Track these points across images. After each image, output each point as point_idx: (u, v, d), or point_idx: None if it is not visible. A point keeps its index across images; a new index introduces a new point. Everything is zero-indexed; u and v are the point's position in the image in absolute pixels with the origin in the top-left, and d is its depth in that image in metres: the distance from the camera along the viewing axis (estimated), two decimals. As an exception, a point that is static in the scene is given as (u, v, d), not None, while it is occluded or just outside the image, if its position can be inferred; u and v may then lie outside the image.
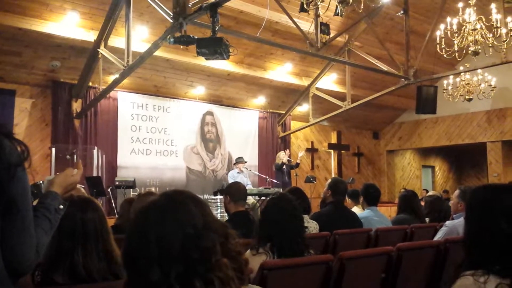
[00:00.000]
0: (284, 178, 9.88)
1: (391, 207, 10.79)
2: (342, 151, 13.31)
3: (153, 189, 9.04)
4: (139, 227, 1.02)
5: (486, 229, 1.45)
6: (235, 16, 8.11)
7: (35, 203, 1.52)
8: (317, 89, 10.80)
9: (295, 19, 7.56)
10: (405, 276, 2.75)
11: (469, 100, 9.70)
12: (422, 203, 5.14)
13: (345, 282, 2.40)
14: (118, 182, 8.31)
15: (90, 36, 7.48)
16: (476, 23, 6.94)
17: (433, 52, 8.00)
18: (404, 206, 4.61)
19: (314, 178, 10.79)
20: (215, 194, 8.58)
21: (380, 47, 9.19)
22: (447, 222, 3.73)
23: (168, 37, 5.60)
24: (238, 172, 9.17)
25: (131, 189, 8.41)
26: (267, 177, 9.85)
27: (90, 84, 8.47)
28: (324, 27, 7.72)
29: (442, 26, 7.31)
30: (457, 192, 3.84)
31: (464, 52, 7.25)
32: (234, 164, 9.62)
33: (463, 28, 7.04)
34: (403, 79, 9.12)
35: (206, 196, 9.01)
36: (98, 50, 7.27)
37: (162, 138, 9.86)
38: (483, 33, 6.97)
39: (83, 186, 6.31)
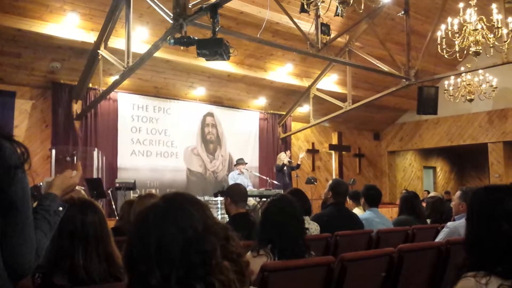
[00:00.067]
0: (285, 180, 9.88)
1: (392, 208, 10.77)
2: (343, 152, 13.31)
3: (153, 191, 9.04)
4: (139, 231, 1.01)
5: (487, 230, 1.45)
6: (235, 17, 8.11)
7: (35, 205, 1.52)
8: (318, 90, 10.79)
9: (295, 20, 7.56)
10: (407, 277, 2.74)
11: (470, 100, 9.69)
12: (424, 204, 5.13)
13: (347, 284, 2.39)
14: (119, 183, 8.30)
15: (90, 37, 7.48)
16: (477, 24, 6.94)
17: (434, 52, 7.99)
18: (405, 207, 4.61)
19: (315, 179, 10.78)
20: (215, 195, 8.58)
21: (381, 47, 9.19)
22: (449, 223, 3.72)
23: (168, 38, 5.59)
24: (238, 174, 9.17)
25: (132, 191, 8.41)
26: (267, 178, 9.85)
27: (90, 85, 8.47)
28: (325, 28, 7.71)
29: (443, 27, 7.31)
30: (458, 193, 3.83)
31: (465, 52, 7.25)
32: (235, 165, 9.62)
33: (464, 29, 7.04)
34: (404, 80, 9.11)
35: (206, 198, 9.00)
36: (98, 51, 7.27)
37: (163, 140, 9.86)
38: (484, 33, 6.97)
39: (83, 187, 6.31)
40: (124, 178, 8.75)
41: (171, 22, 5.56)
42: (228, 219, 3.73)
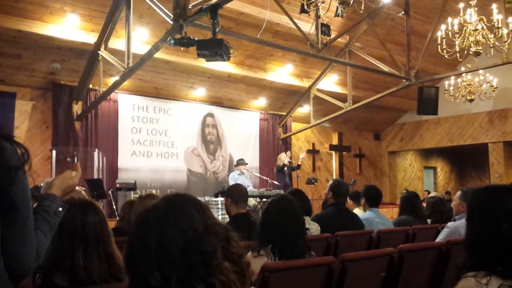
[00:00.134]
0: (285, 180, 9.88)
1: (393, 209, 10.77)
2: (344, 153, 13.31)
3: (154, 191, 9.04)
4: (139, 231, 1.02)
5: (488, 230, 1.46)
6: (235, 18, 8.11)
7: (35, 205, 1.52)
8: (318, 90, 10.80)
9: (295, 20, 7.56)
10: (407, 277, 2.74)
11: (471, 100, 9.69)
12: (424, 204, 5.13)
13: (347, 284, 2.39)
14: (119, 184, 8.31)
15: (90, 38, 7.49)
16: (477, 24, 6.94)
17: (434, 52, 7.99)
18: (405, 208, 4.61)
19: (315, 179, 10.78)
20: (216, 196, 8.58)
21: (381, 48, 9.19)
22: (449, 224, 3.72)
23: (168, 38, 5.59)
24: (239, 174, 9.18)
25: (132, 191, 8.40)
26: (268, 178, 9.86)
27: (91, 86, 8.48)
28: (325, 28, 7.71)
29: (443, 27, 7.32)
30: (459, 193, 3.83)
31: (465, 52, 7.25)
32: (235, 165, 9.62)
33: (464, 29, 7.04)
34: (404, 80, 9.11)
35: (207, 198, 8.99)
36: (99, 52, 7.28)
37: (163, 140, 9.86)
38: (484, 33, 6.97)
39: (83, 188, 6.30)
40: (124, 178, 8.75)
41: (171, 23, 5.56)
42: (228, 220, 3.73)
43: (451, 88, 9.68)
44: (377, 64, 9.07)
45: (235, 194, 3.65)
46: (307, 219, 3.58)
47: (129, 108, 9.43)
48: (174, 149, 10.00)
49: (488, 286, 1.33)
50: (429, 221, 4.71)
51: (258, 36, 7.14)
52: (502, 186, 1.57)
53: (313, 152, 12.66)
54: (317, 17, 7.59)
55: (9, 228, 1.31)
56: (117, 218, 5.42)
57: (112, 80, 8.17)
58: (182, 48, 6.06)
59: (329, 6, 6.12)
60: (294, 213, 2.44)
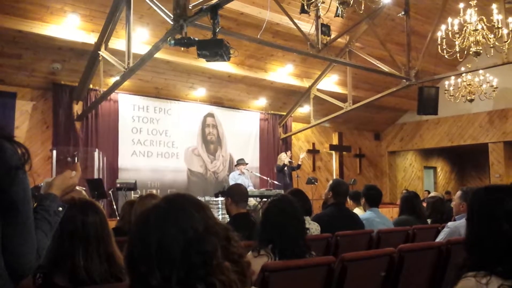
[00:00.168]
0: (286, 180, 9.89)
1: (393, 209, 10.78)
2: (344, 153, 13.32)
3: (154, 191, 9.05)
4: (140, 231, 1.02)
5: (488, 230, 1.46)
6: (235, 18, 8.11)
7: (35, 205, 1.52)
8: (318, 90, 10.80)
9: (295, 21, 7.56)
10: (407, 277, 2.74)
11: (471, 101, 9.69)
12: (424, 204, 5.13)
13: (347, 284, 2.39)
14: (119, 184, 8.31)
15: (91, 38, 7.49)
16: (477, 24, 6.94)
17: (434, 53, 7.99)
18: (405, 207, 4.61)
19: (315, 179, 10.78)
20: (216, 196, 8.59)
21: (381, 48, 9.19)
22: (449, 223, 3.72)
23: (168, 39, 5.59)
24: (239, 174, 9.18)
25: (132, 191, 8.41)
26: (268, 178, 9.86)
27: (91, 86, 8.48)
28: (325, 28, 7.71)
29: (443, 27, 7.31)
30: (459, 193, 3.84)
31: (465, 52, 7.24)
32: (235, 165, 9.62)
33: (464, 29, 7.04)
34: (404, 80, 9.11)
35: (207, 198, 9.01)
36: (99, 52, 7.28)
37: (163, 140, 9.86)
38: (484, 33, 6.97)
39: (84, 188, 6.31)
40: (125, 178, 8.75)
41: (172, 23, 5.57)
42: (228, 219, 3.73)
43: (451, 88, 9.68)
44: (377, 64, 9.07)
45: (235, 194, 3.66)
46: (307, 219, 3.58)
47: (129, 108, 9.43)
48: (175, 149, 10.00)
49: (488, 286, 1.33)
50: (429, 221, 4.71)
51: (258, 36, 7.14)
52: (502, 186, 1.58)
53: (313, 152, 12.66)
54: (317, 17, 7.59)
55: (9, 228, 1.31)
56: (118, 218, 5.42)
57: (112, 80, 8.17)
58: (182, 48, 6.06)
59: (329, 6, 6.12)
60: (294, 213, 2.44)
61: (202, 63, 8.12)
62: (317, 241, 3.42)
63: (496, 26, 6.89)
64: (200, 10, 5.40)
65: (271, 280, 2.09)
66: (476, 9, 7.02)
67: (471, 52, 7.08)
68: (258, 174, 10.44)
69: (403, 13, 8.90)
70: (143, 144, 9.56)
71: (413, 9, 9.20)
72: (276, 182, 9.74)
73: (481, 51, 7.02)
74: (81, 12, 7.27)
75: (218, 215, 8.13)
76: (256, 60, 9.67)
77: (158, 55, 7.01)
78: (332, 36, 8.11)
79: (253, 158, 10.98)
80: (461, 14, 6.97)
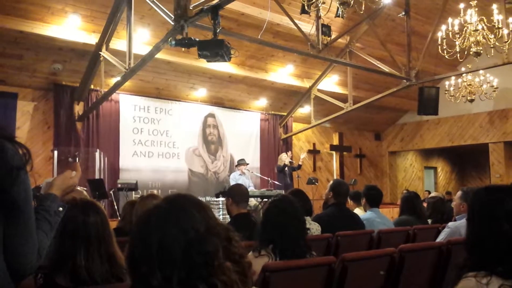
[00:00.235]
0: (286, 180, 9.89)
1: (393, 209, 10.78)
2: (344, 153, 13.32)
3: (155, 191, 9.06)
4: (141, 232, 1.02)
5: (488, 230, 1.46)
6: (236, 18, 8.12)
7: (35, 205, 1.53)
8: (319, 90, 10.80)
9: (296, 21, 7.56)
10: (408, 277, 2.74)
11: (471, 101, 9.69)
12: (425, 205, 5.13)
13: (348, 284, 2.40)
14: (120, 184, 8.32)
15: (92, 39, 7.50)
16: (477, 24, 6.94)
17: (434, 53, 8.00)
18: (406, 208, 4.61)
19: (316, 179, 10.78)
20: (217, 196, 8.59)
21: (381, 48, 9.19)
22: (450, 224, 3.72)
23: (169, 39, 5.60)
24: (240, 174, 9.18)
25: (133, 192, 8.42)
26: (269, 179, 9.86)
27: (92, 86, 8.49)
28: (326, 29, 7.72)
29: (443, 27, 7.32)
30: (459, 193, 3.84)
31: (465, 53, 7.24)
32: (236, 166, 9.63)
33: (464, 29, 7.04)
34: (404, 80, 9.11)
35: (208, 198, 9.02)
36: (100, 53, 7.29)
37: (164, 141, 9.87)
38: (484, 34, 6.96)
39: (85, 188, 6.32)
40: (126, 179, 8.76)
41: (172, 23, 5.57)
42: (229, 220, 3.73)
43: (452, 89, 9.68)
44: (378, 65, 9.07)
45: (236, 194, 3.66)
46: (308, 219, 3.59)
47: (130, 108, 9.44)
48: (175, 150, 10.01)
49: (489, 286, 1.34)
50: (429, 221, 4.71)
51: (259, 37, 7.14)
52: (502, 186, 1.58)
53: (313, 152, 12.66)
54: (318, 17, 7.60)
55: (11, 228, 1.31)
56: (119, 218, 5.43)
57: (113, 80, 8.18)
58: (183, 49, 6.07)
59: (330, 6, 6.11)
60: (295, 213, 2.44)
61: (203, 64, 8.13)
62: (317, 241, 3.42)
63: (496, 27, 6.89)
64: (200, 10, 5.41)
65: (272, 280, 2.09)
66: (477, 9, 7.01)
67: (471, 53, 7.08)
68: (259, 175, 10.44)
69: (403, 13, 8.90)
70: (144, 145, 9.57)
71: (413, 9, 9.20)
72: (276, 183, 9.74)
73: (482, 51, 7.01)
74: (82, 12, 7.27)
75: (219, 216, 8.14)
76: (257, 60, 9.67)
77: (159, 55, 7.01)
78: (333, 36, 8.12)
79: (253, 159, 10.98)
80: (462, 14, 6.97)
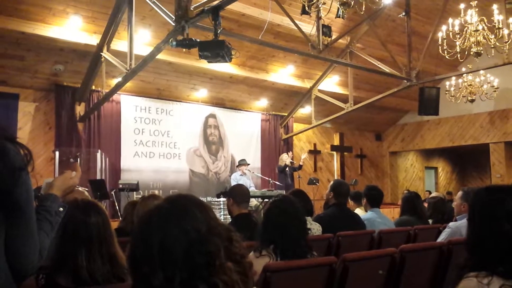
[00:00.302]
0: (287, 180, 9.89)
1: (394, 209, 10.77)
2: (345, 153, 13.31)
3: (156, 192, 9.06)
4: (142, 232, 1.02)
5: (489, 230, 1.46)
6: (237, 19, 8.12)
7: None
8: (320, 91, 10.80)
9: (296, 22, 7.57)
10: (409, 278, 2.75)
11: (472, 101, 9.68)
12: (425, 205, 5.13)
13: (349, 284, 2.40)
14: (122, 185, 8.33)
15: (93, 39, 7.51)
16: (478, 24, 6.93)
17: (435, 53, 7.99)
18: (407, 208, 4.60)
19: (317, 180, 10.78)
20: (218, 196, 8.60)
21: (382, 48, 9.19)
22: (451, 224, 3.72)
23: (170, 40, 5.60)
24: (241, 175, 9.19)
25: (135, 192, 8.43)
26: (270, 179, 9.86)
27: (93, 87, 8.51)
28: (326, 29, 7.72)
29: (444, 28, 7.31)
30: (460, 193, 3.83)
31: (466, 53, 7.24)
32: (237, 166, 9.64)
33: (465, 29, 7.04)
34: (405, 81, 9.11)
35: (209, 199, 9.01)
36: (101, 53, 7.30)
37: (165, 141, 9.88)
38: (485, 34, 6.96)
39: (86, 189, 6.32)
40: (127, 179, 8.77)
41: (173, 24, 5.58)
42: (230, 220, 3.74)
43: (452, 89, 9.67)
44: (378, 65, 9.07)
45: (237, 194, 3.66)
46: (309, 219, 3.59)
47: (131, 109, 9.45)
48: (176, 150, 10.02)
49: (490, 286, 1.34)
50: (430, 221, 4.71)
51: (260, 38, 7.15)
52: (503, 186, 1.58)
53: (314, 152, 12.66)
54: (318, 18, 7.60)
55: (12, 229, 1.32)
56: (120, 218, 5.43)
57: (114, 81, 8.19)
58: (184, 50, 6.09)
59: (330, 7, 6.11)
60: (295, 213, 2.45)
61: (204, 64, 8.13)
62: (318, 241, 3.42)
63: (496, 27, 6.88)
64: (201, 11, 5.42)
65: (273, 280, 2.10)
66: (477, 9, 7.01)
67: (471, 53, 7.08)
68: (260, 175, 10.44)
69: (403, 14, 8.90)
70: (145, 145, 9.58)
71: (413, 9, 9.20)
72: (277, 183, 9.74)
73: (482, 52, 7.01)
74: (83, 13, 7.28)
75: (220, 216, 8.14)
76: (258, 61, 9.67)
77: (160, 56, 7.02)
78: (333, 37, 8.12)
79: (254, 159, 10.98)
80: (462, 14, 6.97)
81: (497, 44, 7.04)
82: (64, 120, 8.43)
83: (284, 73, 10.36)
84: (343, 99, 10.52)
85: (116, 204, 8.18)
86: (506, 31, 7.03)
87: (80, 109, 8.71)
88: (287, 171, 9.91)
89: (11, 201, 1.30)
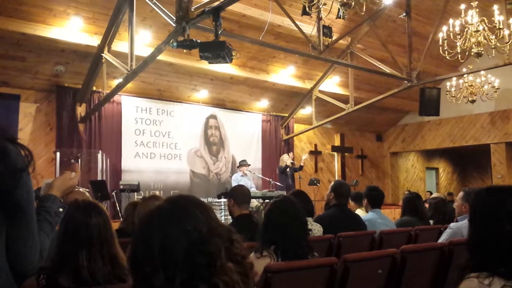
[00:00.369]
0: (288, 181, 9.88)
1: (395, 209, 10.76)
2: (346, 154, 13.31)
3: (157, 193, 9.05)
4: (143, 233, 1.02)
5: (490, 231, 1.46)
6: (237, 20, 8.13)
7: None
8: (320, 91, 10.80)
9: (297, 22, 7.57)
10: (409, 278, 2.74)
11: (472, 101, 9.68)
12: (426, 205, 5.13)
13: (349, 285, 2.40)
14: (123, 185, 8.33)
15: (94, 40, 7.52)
16: (478, 25, 6.93)
17: (436, 54, 7.99)
18: (408, 208, 4.60)
19: (317, 180, 10.77)
20: (219, 197, 8.60)
21: (382, 49, 9.19)
22: (451, 224, 3.72)
23: (171, 41, 5.61)
24: (241, 175, 9.19)
25: (136, 193, 8.43)
26: (270, 180, 9.85)
27: (94, 88, 8.52)
28: (327, 30, 7.73)
29: (444, 28, 7.31)
30: (461, 194, 3.83)
31: (466, 53, 7.24)
32: (238, 167, 9.63)
33: (465, 30, 7.04)
34: (406, 81, 9.11)
35: (210, 199, 9.02)
36: (102, 54, 7.30)
37: (166, 142, 9.88)
38: (485, 34, 6.96)
39: (87, 190, 6.33)
40: (128, 180, 8.77)
41: (174, 25, 5.59)
42: (231, 221, 3.74)
43: (453, 89, 9.67)
44: (379, 66, 9.07)
45: (238, 195, 3.66)
46: (310, 220, 3.58)
47: (132, 110, 9.46)
48: (177, 151, 10.02)
49: (491, 287, 1.33)
50: (431, 222, 4.71)
51: (260, 38, 7.16)
52: (504, 187, 1.57)
53: (315, 153, 12.66)
54: (319, 19, 7.60)
55: (13, 230, 1.32)
56: (121, 219, 5.43)
57: (115, 82, 8.20)
58: (184, 51, 6.08)
59: (331, 8, 6.11)
60: (296, 214, 2.44)
61: (205, 65, 8.14)
62: (319, 242, 3.42)
63: (497, 27, 6.88)
64: (202, 12, 5.42)
65: (274, 281, 2.09)
66: (478, 10, 7.01)
67: (472, 53, 7.08)
68: (261, 176, 10.43)
69: (404, 14, 8.91)
70: (146, 146, 9.58)
71: (414, 10, 9.20)
72: (278, 184, 9.73)
73: (483, 52, 7.01)
74: (84, 14, 7.29)
75: (221, 217, 8.14)
76: (258, 62, 9.68)
77: (161, 57, 7.03)
78: (334, 37, 8.13)
79: (255, 160, 10.98)
80: (463, 15, 6.97)
81: (498, 44, 7.03)
82: (65, 121, 8.44)
83: (285, 74, 10.37)
84: (344, 99, 10.52)
85: (117, 205, 8.20)
86: (506, 32, 7.03)
87: (81, 110, 8.71)
88: (288, 172, 9.91)
89: (12, 202, 1.29)
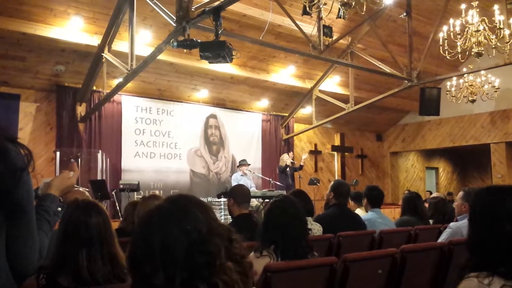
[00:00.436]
0: (288, 181, 9.89)
1: (395, 209, 10.77)
2: (346, 153, 13.31)
3: (157, 192, 9.06)
4: (142, 233, 1.02)
5: (490, 231, 1.46)
6: (238, 20, 8.13)
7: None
8: (320, 91, 10.80)
9: (297, 22, 7.57)
10: (409, 278, 2.74)
11: (473, 101, 9.68)
12: (426, 205, 5.13)
13: (349, 285, 2.40)
14: (123, 185, 8.33)
15: (94, 40, 7.52)
16: (479, 25, 6.93)
17: (436, 53, 7.99)
18: (408, 208, 4.60)
19: (317, 180, 10.78)
20: (218, 196, 8.60)
21: (383, 49, 9.19)
22: (451, 224, 3.72)
23: (171, 41, 5.61)
24: (241, 175, 9.19)
25: (135, 192, 8.43)
26: (270, 179, 9.86)
27: (94, 88, 8.52)
28: (327, 30, 7.73)
29: (445, 28, 7.31)
30: (461, 193, 3.83)
31: (467, 53, 7.24)
32: (238, 166, 9.64)
33: (466, 30, 7.03)
34: (406, 81, 9.11)
35: (210, 199, 9.03)
36: (102, 54, 7.30)
37: (166, 141, 9.89)
38: (486, 34, 6.96)
39: (87, 189, 6.33)
40: (128, 179, 8.78)
41: (174, 25, 5.59)
42: (231, 220, 3.74)
43: (453, 89, 9.67)
44: (379, 65, 9.08)
45: (237, 195, 3.66)
46: (309, 219, 3.59)
47: (132, 109, 9.46)
48: (177, 150, 10.02)
49: (491, 286, 1.33)
50: (431, 221, 4.71)
51: (261, 38, 7.16)
52: (504, 187, 1.57)
53: (315, 153, 12.66)
54: (319, 18, 7.60)
55: (14, 230, 1.32)
56: (121, 219, 5.43)
57: (115, 82, 8.20)
58: (185, 50, 6.09)
59: (331, 8, 6.12)
60: (296, 213, 2.44)
61: (205, 65, 8.14)
62: (319, 241, 3.42)
63: (498, 27, 6.87)
64: (202, 12, 5.42)
65: (273, 280, 2.10)
66: (478, 10, 7.01)
67: (472, 53, 7.07)
68: (260, 175, 10.43)
69: (404, 14, 8.91)
70: (146, 145, 9.59)
71: (414, 10, 9.20)
72: (278, 183, 9.74)
73: (483, 52, 7.00)
74: (85, 14, 7.29)
75: (221, 216, 8.15)
76: (259, 61, 9.68)
77: (161, 57, 7.03)
78: (334, 37, 8.13)
79: (255, 159, 10.99)
80: (463, 15, 6.97)
81: (498, 44, 7.03)
82: (65, 121, 8.45)
83: (285, 74, 10.37)
84: (344, 99, 10.52)
85: (117, 205, 8.20)
86: (507, 32, 7.03)
87: (81, 110, 8.72)
88: (288, 172, 9.91)
89: (12, 201, 1.29)
